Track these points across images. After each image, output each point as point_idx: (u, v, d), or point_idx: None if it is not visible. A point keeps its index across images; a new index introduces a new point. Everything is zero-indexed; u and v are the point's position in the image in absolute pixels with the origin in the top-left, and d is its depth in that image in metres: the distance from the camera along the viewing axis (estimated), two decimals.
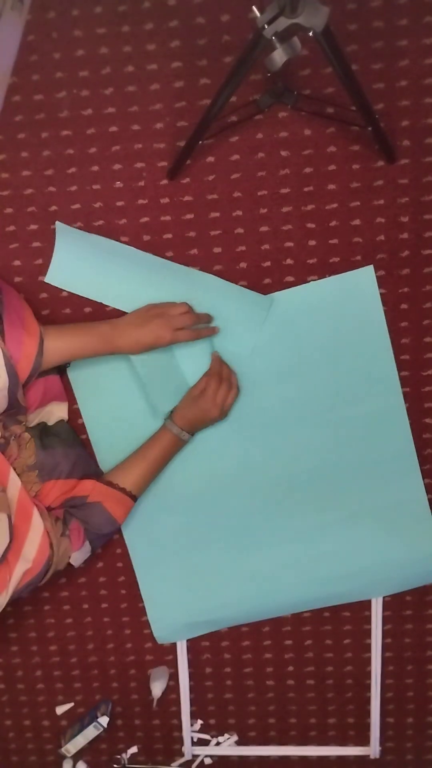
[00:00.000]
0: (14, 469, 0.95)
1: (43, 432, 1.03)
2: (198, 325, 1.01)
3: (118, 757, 1.26)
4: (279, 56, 0.76)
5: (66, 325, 1.01)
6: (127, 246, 1.04)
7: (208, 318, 1.02)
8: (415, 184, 1.01)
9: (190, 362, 1.05)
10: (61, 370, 1.07)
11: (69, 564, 0.99)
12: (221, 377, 1.03)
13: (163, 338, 0.96)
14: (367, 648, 1.19)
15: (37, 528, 0.92)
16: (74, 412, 1.09)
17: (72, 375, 1.08)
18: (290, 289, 1.05)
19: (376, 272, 1.04)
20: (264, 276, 1.05)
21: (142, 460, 1.04)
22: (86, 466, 1.06)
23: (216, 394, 1.02)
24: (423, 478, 1.11)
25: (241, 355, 1.06)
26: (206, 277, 1.05)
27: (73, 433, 1.08)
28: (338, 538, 1.13)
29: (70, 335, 0.96)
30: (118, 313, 1.05)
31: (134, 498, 1.04)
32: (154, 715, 1.25)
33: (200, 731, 1.25)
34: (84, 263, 1.05)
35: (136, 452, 1.05)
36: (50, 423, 1.06)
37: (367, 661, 1.20)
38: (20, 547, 0.91)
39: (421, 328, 1.06)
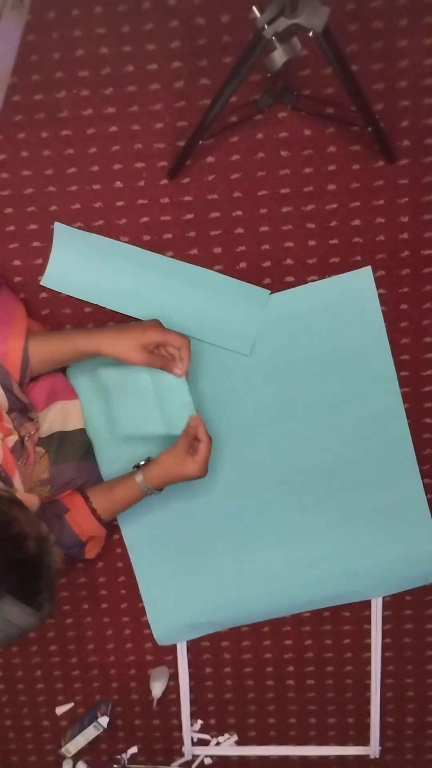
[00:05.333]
0: (24, 482, 0.95)
1: (59, 442, 1.02)
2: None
3: (118, 757, 1.26)
4: (279, 56, 0.76)
5: (51, 331, 1.03)
6: (124, 244, 1.04)
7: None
8: (415, 185, 1.01)
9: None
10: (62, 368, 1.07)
11: None
12: (210, 441, 0.98)
13: (134, 353, 0.92)
14: (367, 648, 1.20)
15: None
16: None
17: (72, 375, 1.07)
18: (289, 290, 1.05)
19: (375, 272, 1.04)
20: (264, 276, 1.05)
21: (119, 498, 1.01)
22: (97, 479, 1.08)
23: (196, 456, 0.97)
24: (422, 478, 1.11)
25: (240, 355, 1.06)
26: (204, 272, 1.05)
27: (88, 443, 1.08)
28: (338, 538, 1.13)
29: (54, 337, 0.95)
30: (118, 313, 1.06)
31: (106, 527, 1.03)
32: (154, 715, 1.25)
33: (200, 731, 1.25)
34: (81, 265, 1.05)
35: (117, 485, 1.02)
36: (68, 429, 1.05)
37: (367, 661, 1.20)
38: None
39: (421, 328, 1.06)
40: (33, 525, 0.75)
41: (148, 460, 1.02)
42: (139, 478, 0.99)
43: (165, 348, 0.94)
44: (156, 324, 0.93)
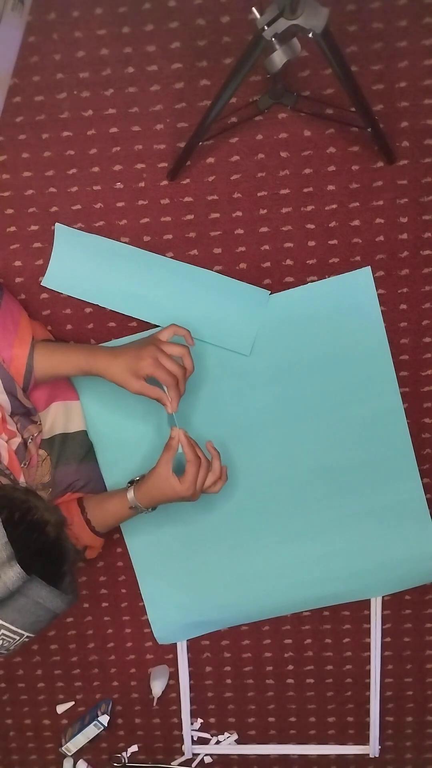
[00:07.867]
0: (27, 485, 0.95)
1: (61, 444, 1.03)
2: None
3: (119, 755, 1.27)
4: (279, 57, 0.76)
5: (56, 342, 1.03)
6: (125, 244, 1.05)
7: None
8: (414, 185, 1.02)
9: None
10: None
11: None
12: (200, 461, 0.92)
13: (127, 382, 0.89)
14: (367, 647, 1.20)
15: None
16: None
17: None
18: (288, 290, 1.05)
19: (375, 273, 1.04)
20: (264, 277, 1.06)
21: (110, 512, 0.99)
22: (98, 480, 1.08)
23: (196, 481, 0.92)
24: (421, 478, 1.11)
25: (240, 355, 1.07)
26: (204, 272, 1.05)
27: (89, 445, 1.08)
28: (337, 538, 1.13)
29: (58, 353, 0.94)
30: (118, 314, 1.06)
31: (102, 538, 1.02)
32: (154, 713, 1.25)
33: (200, 730, 1.25)
34: (82, 266, 1.05)
35: (111, 499, 0.99)
36: (69, 431, 1.05)
37: (367, 660, 1.20)
38: None
39: (420, 329, 1.07)
40: (51, 512, 0.76)
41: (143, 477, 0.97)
42: (130, 495, 0.95)
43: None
44: (151, 349, 0.87)
